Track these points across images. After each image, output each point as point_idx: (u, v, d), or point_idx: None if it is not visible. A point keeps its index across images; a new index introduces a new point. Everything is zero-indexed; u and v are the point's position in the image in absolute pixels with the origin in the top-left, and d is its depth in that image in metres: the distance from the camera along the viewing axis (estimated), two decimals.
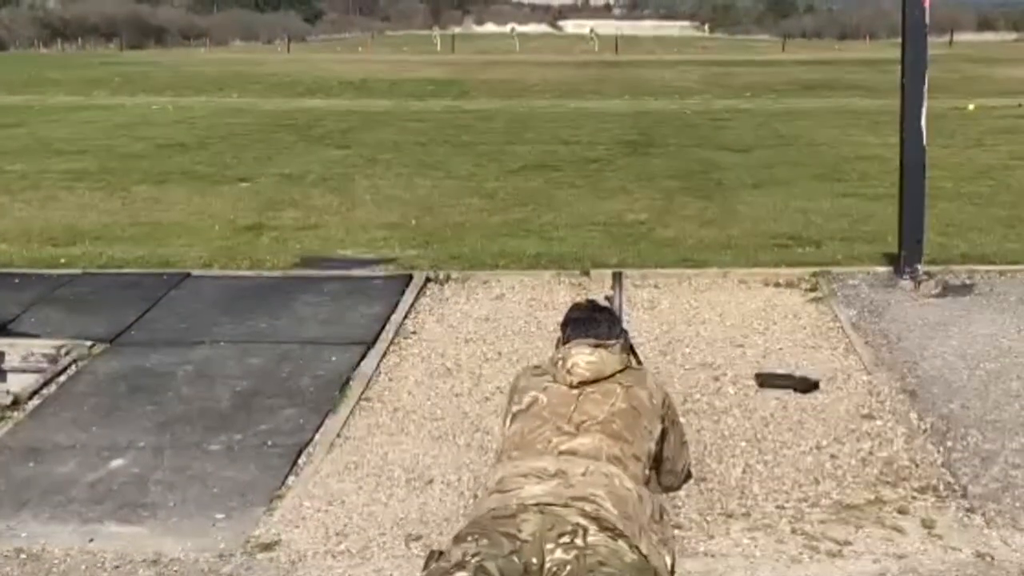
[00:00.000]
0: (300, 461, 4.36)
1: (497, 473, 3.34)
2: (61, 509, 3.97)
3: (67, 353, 5.57)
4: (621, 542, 2.98)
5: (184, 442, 4.54)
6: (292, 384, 5.18)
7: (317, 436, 4.59)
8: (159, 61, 43.71)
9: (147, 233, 8.69)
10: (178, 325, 6.10)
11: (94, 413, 4.86)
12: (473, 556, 2.88)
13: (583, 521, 3.00)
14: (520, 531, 2.96)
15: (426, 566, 2.99)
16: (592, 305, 4.17)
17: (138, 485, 4.15)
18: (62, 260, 7.68)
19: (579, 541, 2.94)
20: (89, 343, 5.74)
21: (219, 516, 3.91)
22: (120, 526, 3.85)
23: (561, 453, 3.32)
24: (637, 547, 3.01)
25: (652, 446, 3.55)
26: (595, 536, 2.96)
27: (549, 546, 2.92)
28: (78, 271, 7.26)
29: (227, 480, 4.19)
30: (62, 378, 5.31)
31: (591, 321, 3.93)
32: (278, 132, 16.46)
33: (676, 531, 3.65)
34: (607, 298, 4.89)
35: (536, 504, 3.08)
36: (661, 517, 3.32)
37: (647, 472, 3.45)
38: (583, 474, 3.21)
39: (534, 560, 2.90)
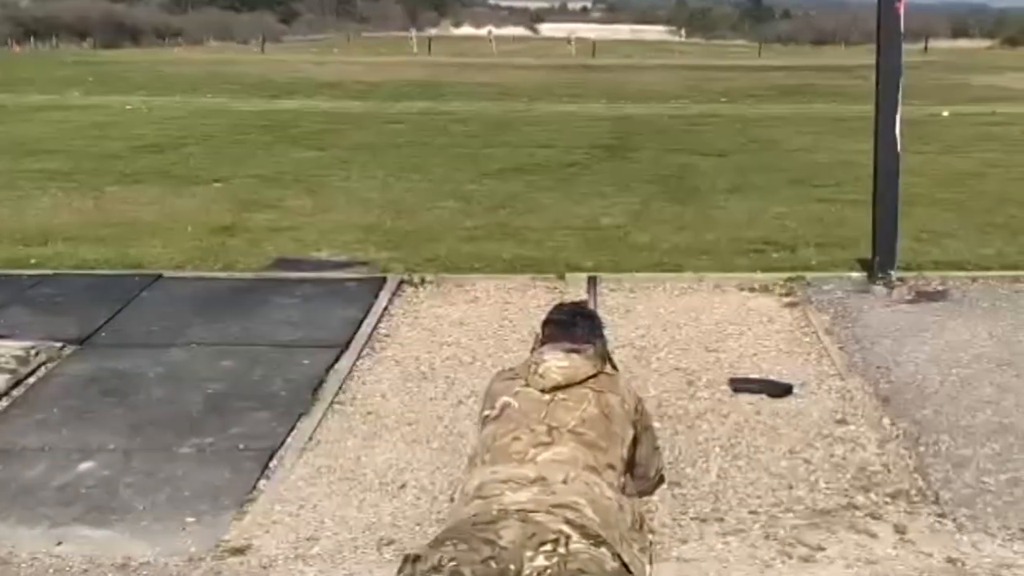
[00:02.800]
0: (272, 465, 4.33)
1: (475, 479, 3.31)
2: (29, 512, 3.92)
3: (37, 354, 5.52)
4: (604, 549, 2.97)
5: (155, 445, 4.49)
6: (264, 387, 5.14)
7: (289, 440, 4.56)
8: (133, 61, 43.49)
9: (119, 234, 8.63)
10: (150, 327, 6.05)
11: (64, 415, 4.80)
12: (449, 561, 2.86)
13: (566, 528, 2.98)
14: (500, 537, 2.94)
15: (401, 570, 2.97)
16: (574, 308, 4.15)
17: (108, 488, 4.11)
18: (33, 261, 7.62)
19: (561, 549, 2.92)
20: (59, 344, 5.68)
21: (189, 520, 3.88)
22: (89, 529, 3.81)
23: (538, 463, 3.30)
24: (619, 555, 3.00)
25: (625, 452, 3.54)
26: (577, 543, 2.94)
27: (529, 554, 2.90)
28: (49, 272, 7.19)
29: (198, 484, 4.15)
30: (32, 380, 5.26)
31: (570, 324, 3.92)
32: (253, 133, 16.40)
33: (650, 536, 3.64)
34: (583, 302, 4.94)
35: (518, 511, 3.05)
36: (641, 526, 3.32)
37: (623, 479, 3.44)
38: (564, 482, 3.19)
39: (512, 567, 2.87)
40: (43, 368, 5.41)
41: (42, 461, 4.34)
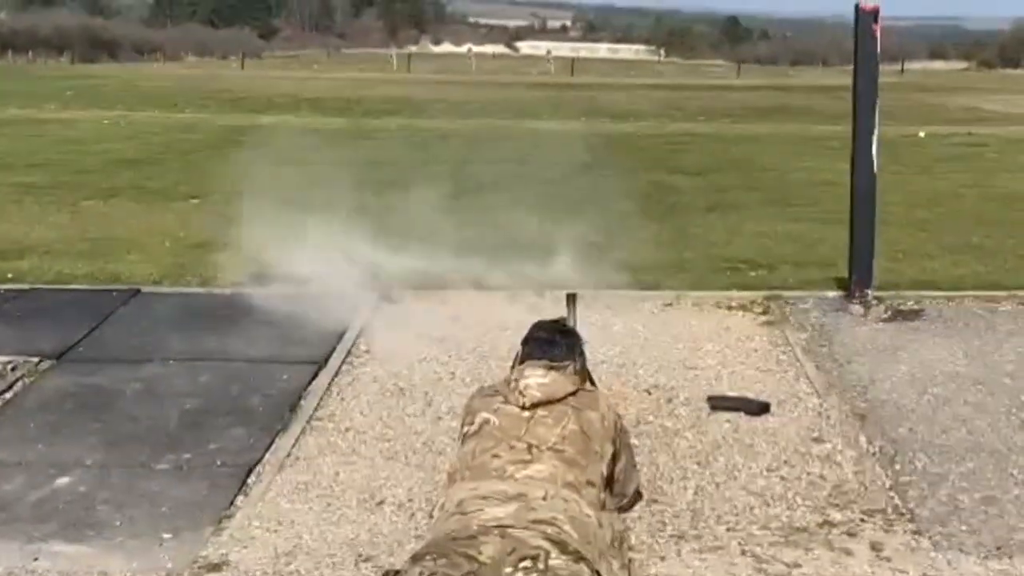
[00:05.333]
0: (250, 481, 4.32)
1: (455, 495, 3.32)
2: (5, 527, 3.90)
3: (13, 369, 5.49)
4: (583, 566, 2.98)
5: (132, 461, 4.48)
6: (242, 403, 5.13)
7: (267, 456, 4.55)
8: (111, 75, 43.32)
9: (97, 249, 8.59)
10: (127, 342, 6.03)
11: (40, 430, 4.78)
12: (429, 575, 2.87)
13: (545, 544, 2.99)
14: (480, 553, 2.94)
15: None
16: (555, 325, 4.16)
17: (84, 504, 4.09)
18: (9, 275, 7.58)
19: (540, 565, 2.92)
20: (36, 359, 5.66)
21: (167, 536, 3.87)
22: (66, 545, 3.79)
23: (517, 480, 3.31)
24: (598, 572, 3.01)
25: (604, 469, 3.55)
26: (556, 559, 2.95)
27: (508, 570, 2.90)
28: (26, 286, 7.17)
29: (175, 499, 4.14)
30: (8, 395, 5.23)
31: (550, 342, 3.93)
32: (231, 148, 16.33)
33: (629, 553, 3.65)
34: (562, 319, 4.94)
35: (498, 527, 3.06)
36: (620, 543, 3.32)
37: (602, 496, 3.45)
38: (544, 498, 3.20)
39: None
40: (20, 383, 5.38)
41: (18, 476, 4.31)
